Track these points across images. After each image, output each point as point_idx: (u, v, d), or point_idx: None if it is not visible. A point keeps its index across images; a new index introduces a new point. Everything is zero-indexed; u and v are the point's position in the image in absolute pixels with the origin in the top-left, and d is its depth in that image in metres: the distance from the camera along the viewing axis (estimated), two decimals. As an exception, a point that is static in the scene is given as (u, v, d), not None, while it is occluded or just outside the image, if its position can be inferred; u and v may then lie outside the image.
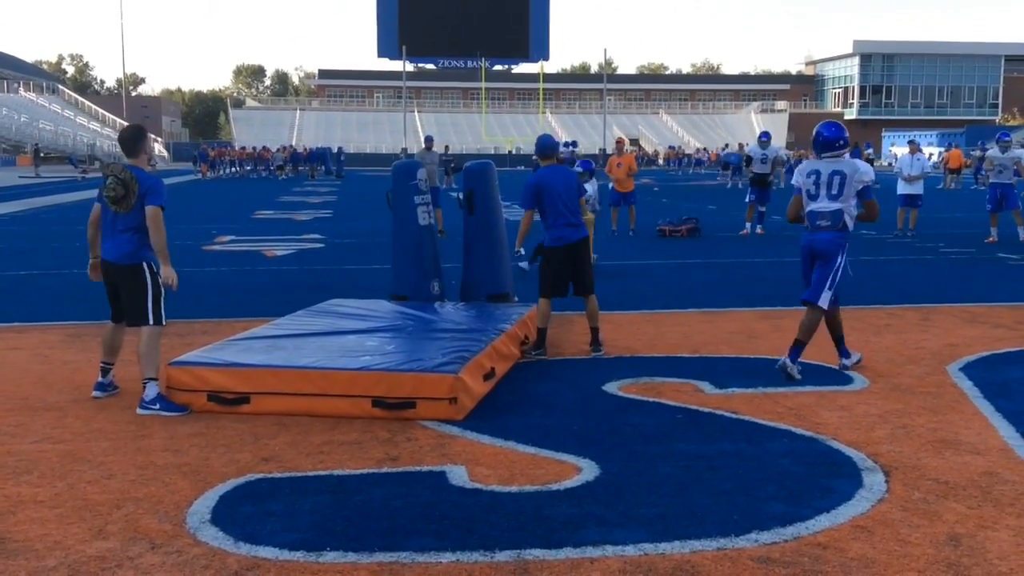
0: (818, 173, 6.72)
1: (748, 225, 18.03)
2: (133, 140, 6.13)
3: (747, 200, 18.21)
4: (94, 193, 6.31)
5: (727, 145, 53.79)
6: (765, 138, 18.61)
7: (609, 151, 52.46)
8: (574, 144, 20.19)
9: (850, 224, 6.78)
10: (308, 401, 5.67)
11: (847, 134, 6.82)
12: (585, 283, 7.50)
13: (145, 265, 6.00)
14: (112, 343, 6.23)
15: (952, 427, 5.46)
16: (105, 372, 6.21)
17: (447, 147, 54.38)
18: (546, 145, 7.73)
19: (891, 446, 5.10)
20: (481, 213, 8.60)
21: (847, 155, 6.80)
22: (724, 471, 4.70)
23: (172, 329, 7.98)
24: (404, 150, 60.89)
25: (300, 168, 54.93)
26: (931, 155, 37.71)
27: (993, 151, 16.81)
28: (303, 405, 5.67)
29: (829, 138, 6.72)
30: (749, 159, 18.50)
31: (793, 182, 7.05)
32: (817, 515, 4.12)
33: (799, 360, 6.67)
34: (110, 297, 6.18)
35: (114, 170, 5.98)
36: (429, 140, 19.22)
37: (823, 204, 6.71)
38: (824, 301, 6.75)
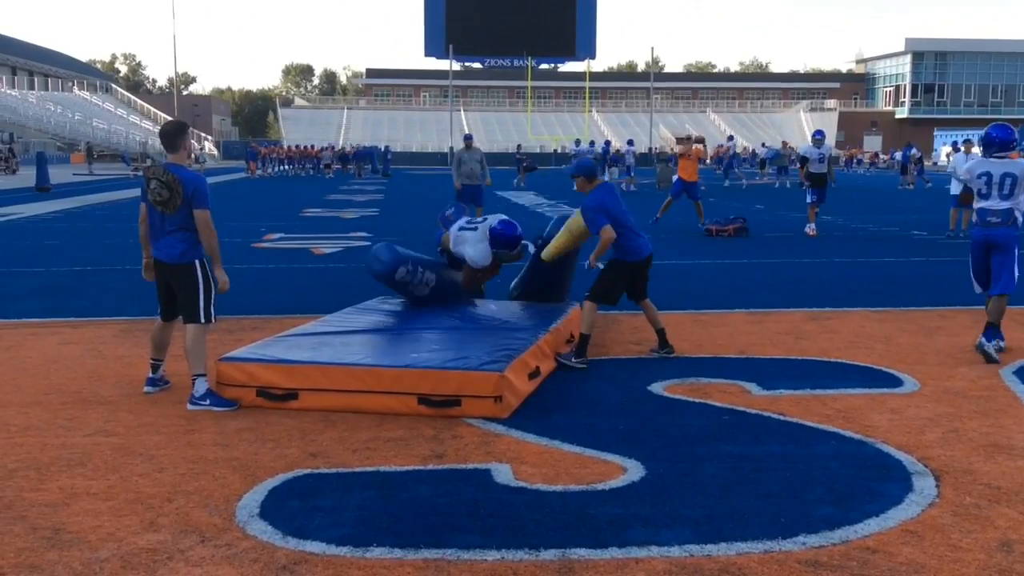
0: (989, 175, 7.31)
1: (812, 225, 17.85)
2: (175, 135, 6.12)
3: (808, 201, 17.96)
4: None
5: (731, 137, 53.36)
6: (819, 136, 18.38)
7: (656, 149, 52.32)
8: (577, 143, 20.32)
9: (1020, 220, 7.36)
10: (355, 398, 5.72)
11: (1017, 136, 7.31)
12: (645, 288, 7.34)
13: (197, 263, 6.06)
14: (162, 340, 6.29)
15: (1005, 431, 5.37)
16: (155, 368, 6.30)
17: (519, 146, 54.42)
18: (591, 167, 7.46)
19: (942, 450, 5.03)
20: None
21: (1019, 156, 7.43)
22: (771, 473, 4.67)
23: (222, 325, 8.10)
24: (452, 149, 61.12)
25: (348, 167, 55.35)
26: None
27: None
28: (350, 401, 5.72)
29: (1001, 139, 7.31)
30: (805, 159, 18.23)
31: (961, 178, 7.95)
32: (866, 519, 4.07)
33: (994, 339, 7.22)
34: (162, 296, 6.24)
35: (156, 172, 5.97)
36: (469, 138, 19.27)
37: (994, 203, 7.32)
38: (1014, 285, 7.44)
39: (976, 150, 19.01)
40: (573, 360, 6.97)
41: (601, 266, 7.36)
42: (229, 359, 6.05)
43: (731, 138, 52.32)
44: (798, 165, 20.98)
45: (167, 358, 6.41)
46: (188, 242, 6.02)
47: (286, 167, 57.30)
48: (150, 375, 6.30)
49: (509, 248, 7.98)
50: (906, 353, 7.43)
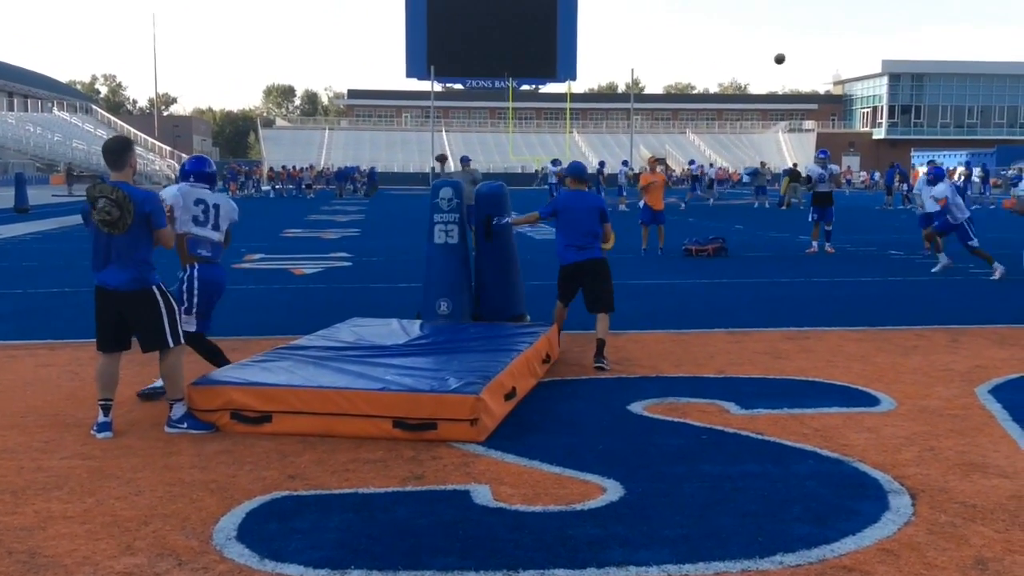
0: None
1: (814, 244, 18.04)
2: (120, 151, 5.73)
3: (810, 219, 18.21)
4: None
5: (692, 162, 54.18)
6: (823, 155, 18.65)
7: (637, 170, 52.53)
8: (554, 163, 20.30)
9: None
10: (329, 421, 5.68)
11: None
12: (597, 300, 7.89)
13: (154, 288, 5.77)
14: (111, 377, 5.79)
15: (980, 450, 5.41)
16: (107, 410, 5.75)
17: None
18: (578, 169, 8.42)
19: (918, 468, 5.07)
20: (496, 237, 8.73)
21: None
22: (749, 492, 4.69)
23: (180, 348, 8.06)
24: (432, 169, 61.18)
25: (339, 186, 55.57)
26: (963, 174, 37.51)
27: None
28: (324, 425, 5.68)
29: None
30: (809, 178, 18.46)
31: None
32: (843, 537, 4.09)
33: None
34: (107, 327, 5.75)
35: (103, 190, 5.55)
36: (466, 160, 19.40)
37: None
38: None
39: (922, 170, 19.26)
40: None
41: (510, 220, 8.79)
42: (203, 382, 6.00)
43: (692, 162, 53.47)
44: (804, 183, 21.18)
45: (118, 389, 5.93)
46: (140, 266, 5.69)
47: (279, 186, 57.06)
48: (102, 419, 5.73)
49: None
50: (883, 372, 7.49)
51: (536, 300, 9.76)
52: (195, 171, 6.84)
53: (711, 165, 50.40)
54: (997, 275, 13.56)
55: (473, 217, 8.96)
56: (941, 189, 14.44)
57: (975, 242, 14.14)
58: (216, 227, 6.73)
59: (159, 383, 6.28)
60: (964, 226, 14.23)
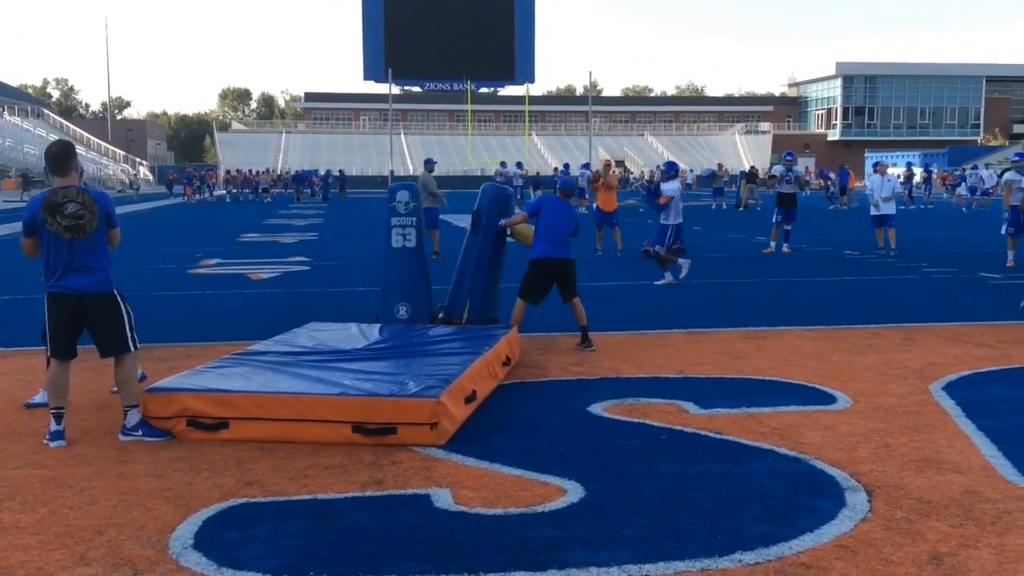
0: None
1: (773, 244, 18.22)
2: (65, 157, 5.64)
3: (774, 220, 18.38)
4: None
5: (644, 174, 54.27)
6: (789, 157, 18.83)
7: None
8: (519, 165, 20.38)
9: None
10: (287, 427, 5.62)
11: None
12: (569, 290, 8.62)
13: (116, 292, 5.79)
14: (64, 384, 5.69)
15: (934, 446, 5.49)
16: (60, 418, 5.62)
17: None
18: (569, 185, 9.33)
19: (874, 465, 5.13)
20: (487, 238, 8.87)
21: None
22: (709, 491, 4.71)
23: (156, 353, 7.97)
24: (392, 172, 60.94)
25: (303, 190, 55.22)
26: (899, 175, 38.16)
27: (1011, 174, 16.09)
28: (283, 431, 5.62)
29: None
30: (774, 178, 18.69)
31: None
32: (801, 535, 4.13)
33: None
34: (66, 333, 5.66)
35: (69, 195, 5.52)
36: (430, 163, 19.37)
37: None
38: None
39: (893, 171, 19.51)
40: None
41: (504, 222, 9.02)
42: (157, 389, 5.91)
43: (620, 162, 53.33)
44: (768, 182, 21.43)
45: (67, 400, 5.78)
46: (105, 268, 5.69)
47: (236, 190, 56.47)
48: (55, 427, 5.60)
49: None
50: (839, 370, 7.57)
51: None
52: None
53: (658, 167, 50.46)
54: (664, 281, 13.26)
55: (480, 219, 8.98)
56: (670, 187, 13.86)
57: (659, 248, 13.55)
58: None
59: (42, 396, 6.19)
60: (669, 229, 13.66)
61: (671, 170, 14.42)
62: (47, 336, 5.82)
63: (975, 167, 44.36)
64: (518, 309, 8.60)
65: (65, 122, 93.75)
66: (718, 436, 5.72)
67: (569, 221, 8.67)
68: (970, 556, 3.90)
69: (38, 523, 4.34)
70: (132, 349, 5.81)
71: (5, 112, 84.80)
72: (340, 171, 59.80)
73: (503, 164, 40.84)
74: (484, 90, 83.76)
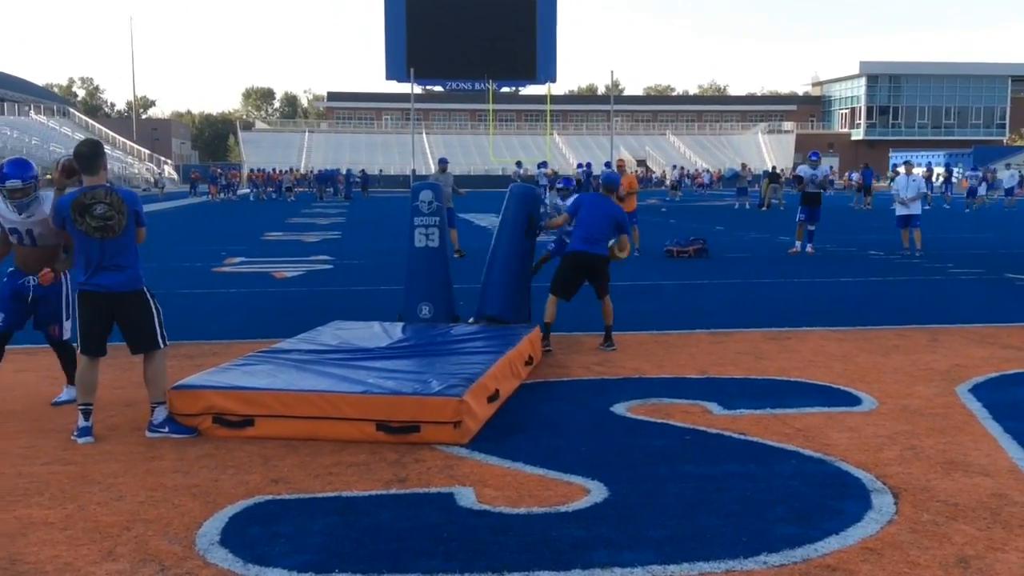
0: None
1: (797, 244, 18.12)
2: (94, 156, 5.70)
3: (798, 219, 18.26)
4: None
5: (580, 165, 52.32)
6: (815, 157, 18.72)
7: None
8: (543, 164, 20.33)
9: None
10: (312, 425, 5.66)
11: None
12: (601, 288, 8.54)
13: (145, 289, 5.85)
14: (92, 381, 5.76)
15: (961, 448, 5.45)
16: (88, 414, 5.71)
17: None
18: (611, 180, 9.18)
19: (900, 467, 5.10)
20: (512, 237, 8.77)
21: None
22: (733, 492, 4.70)
23: (182, 351, 8.03)
24: (413, 171, 61.08)
25: (326, 189, 55.39)
26: (923, 175, 37.89)
27: None
28: (307, 429, 5.66)
29: None
30: (800, 179, 18.54)
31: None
32: (826, 537, 4.11)
33: None
34: (98, 331, 5.73)
35: (98, 196, 5.56)
36: (444, 162, 19.36)
37: None
38: None
39: (917, 171, 19.29)
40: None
41: (545, 224, 9.25)
42: (184, 386, 5.96)
43: (580, 165, 51.86)
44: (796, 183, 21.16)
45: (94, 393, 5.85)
46: (135, 266, 5.76)
47: (247, 191, 56.88)
48: (83, 423, 5.67)
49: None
50: (864, 372, 7.52)
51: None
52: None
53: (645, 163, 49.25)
54: None
55: (536, 225, 9.01)
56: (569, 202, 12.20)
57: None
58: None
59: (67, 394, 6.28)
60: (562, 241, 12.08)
61: (567, 186, 13.06)
62: (77, 333, 5.87)
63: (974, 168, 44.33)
64: (551, 305, 8.42)
65: (91, 121, 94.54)
66: (742, 437, 5.70)
67: (606, 218, 8.52)
68: (997, 559, 3.87)
69: (66, 519, 4.38)
70: (162, 346, 5.87)
71: (31, 111, 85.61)
72: (362, 171, 60.06)
73: (519, 164, 40.80)
74: (505, 89, 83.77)
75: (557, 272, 8.55)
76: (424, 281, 8.75)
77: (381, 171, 77.57)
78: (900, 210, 17.64)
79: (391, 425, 5.56)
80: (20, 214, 6.26)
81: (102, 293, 5.69)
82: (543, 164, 39.03)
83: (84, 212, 5.58)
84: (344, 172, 59.35)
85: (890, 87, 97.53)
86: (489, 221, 30.07)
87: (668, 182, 44.55)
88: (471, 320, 8.70)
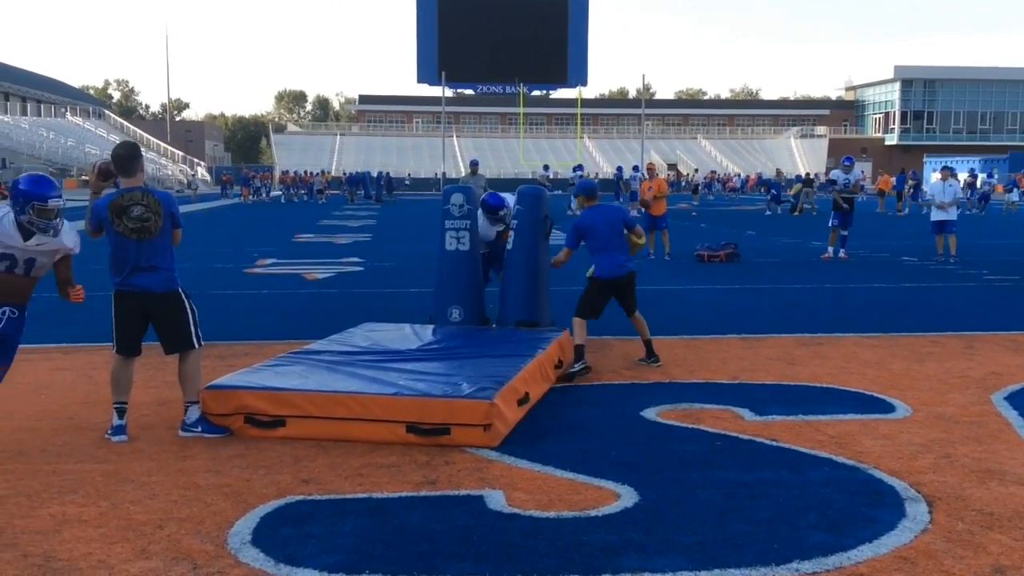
0: None
1: (830, 249, 17.99)
2: (132, 158, 5.77)
3: (831, 224, 18.13)
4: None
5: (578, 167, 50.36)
6: (848, 163, 18.59)
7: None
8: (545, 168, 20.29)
9: None
10: (343, 426, 5.68)
11: None
12: (633, 306, 8.05)
13: (181, 289, 5.91)
14: (127, 379, 5.84)
15: (996, 457, 5.38)
16: (123, 413, 5.78)
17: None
18: (588, 187, 8.40)
19: (934, 476, 5.04)
20: (526, 239, 8.64)
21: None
22: (764, 499, 4.67)
23: (214, 351, 8.09)
24: (443, 174, 61.24)
25: (356, 191, 55.50)
26: (962, 180, 37.33)
27: None
28: (338, 430, 5.68)
29: None
30: (834, 183, 18.42)
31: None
32: (859, 545, 4.07)
33: None
34: (134, 331, 5.79)
35: (135, 198, 5.64)
36: (475, 164, 19.43)
37: None
38: None
39: (962, 177, 19.01)
40: (576, 366, 7.55)
41: (553, 261, 8.35)
42: (216, 386, 6.01)
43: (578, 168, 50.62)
44: (829, 189, 20.95)
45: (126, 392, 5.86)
46: (171, 267, 5.82)
47: (278, 193, 57.20)
48: (118, 422, 5.75)
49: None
50: (898, 379, 7.45)
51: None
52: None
53: (635, 169, 48.41)
54: None
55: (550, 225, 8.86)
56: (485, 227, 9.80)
57: None
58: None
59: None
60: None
61: (495, 202, 9.64)
62: (113, 332, 5.92)
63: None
64: (582, 328, 7.74)
65: (125, 123, 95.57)
66: (774, 443, 5.66)
67: (614, 226, 7.97)
68: (1035, 570, 3.82)
69: (100, 516, 4.43)
70: (196, 346, 5.92)
71: (68, 112, 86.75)
72: (387, 173, 60.25)
73: (545, 167, 40.75)
74: (536, 93, 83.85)
75: (586, 297, 7.90)
76: (454, 284, 8.76)
77: (410, 174, 77.85)
78: (935, 215, 17.47)
79: (421, 427, 5.58)
80: (29, 239, 5.37)
81: (138, 293, 5.74)
82: (579, 167, 38.80)
83: (121, 213, 5.64)
84: (375, 175, 59.58)
85: (925, 91, 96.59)
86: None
87: (695, 185, 43.78)
88: (495, 325, 8.69)
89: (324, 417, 5.72)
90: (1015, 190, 40.98)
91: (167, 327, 5.88)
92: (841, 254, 17.79)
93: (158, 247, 5.74)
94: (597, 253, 7.93)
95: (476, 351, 7.20)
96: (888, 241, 22.43)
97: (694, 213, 36.43)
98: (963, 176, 44.45)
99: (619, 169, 46.40)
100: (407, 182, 74.56)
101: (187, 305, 5.91)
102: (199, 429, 5.80)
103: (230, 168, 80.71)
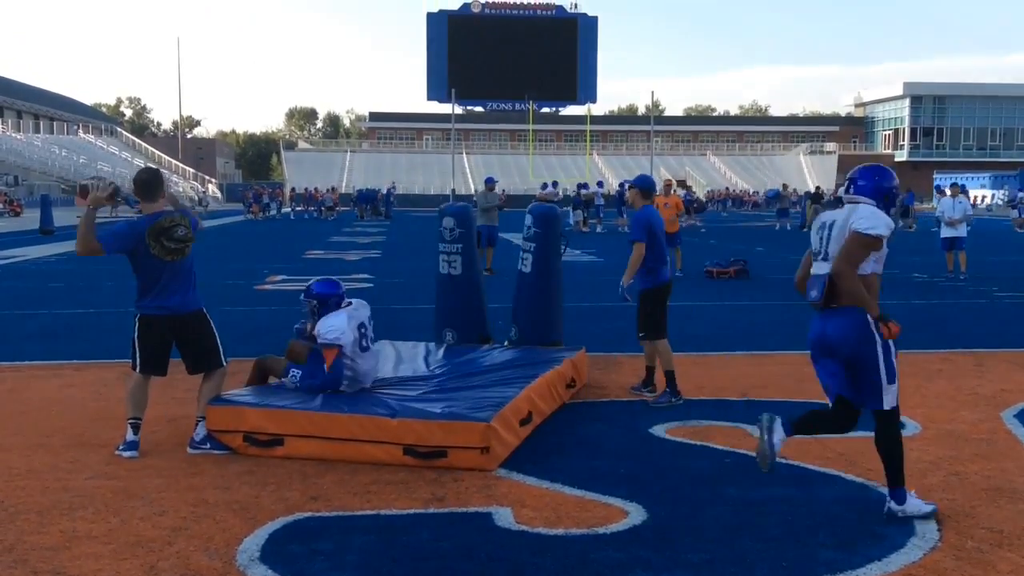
0: None
1: None
2: (155, 184, 5.83)
3: None
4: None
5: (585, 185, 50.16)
6: None
7: (658, 191, 51.65)
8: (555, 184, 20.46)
9: None
10: (341, 446, 5.64)
11: None
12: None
13: (203, 308, 5.99)
14: (144, 398, 5.89)
15: (1006, 475, 5.36)
16: (136, 429, 5.82)
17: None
18: (647, 182, 7.77)
19: (944, 493, 5.02)
20: (541, 258, 8.49)
21: None
22: (774, 517, 4.66)
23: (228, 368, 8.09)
24: (453, 191, 61.37)
25: (360, 208, 55.55)
26: (975, 197, 37.23)
27: None
28: (336, 450, 5.65)
29: None
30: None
31: None
32: (868, 563, 4.06)
33: None
34: (161, 352, 5.86)
35: (175, 220, 5.72)
36: (490, 181, 19.54)
37: None
38: None
39: (974, 193, 18.93)
40: (671, 399, 7.15)
41: (625, 281, 7.27)
42: (219, 402, 6.00)
43: (600, 183, 50.41)
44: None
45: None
46: (196, 286, 5.91)
47: (288, 210, 57.30)
48: (132, 437, 5.79)
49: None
50: (907, 396, 7.40)
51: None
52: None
53: (599, 184, 47.60)
54: None
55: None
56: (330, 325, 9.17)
57: None
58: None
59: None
60: None
61: (326, 292, 7.46)
62: (135, 353, 5.90)
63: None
64: (667, 351, 7.32)
65: (137, 140, 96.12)
66: (783, 461, 5.62)
67: (661, 226, 7.51)
68: (1045, 589, 3.80)
69: (110, 532, 4.44)
70: (224, 364, 5.98)
71: (80, 130, 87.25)
72: (389, 190, 60.38)
73: (554, 184, 40.84)
74: (546, 110, 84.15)
75: (651, 312, 7.34)
76: (447, 308, 8.72)
77: (419, 191, 78.01)
78: (945, 232, 17.45)
79: (418, 450, 5.53)
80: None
81: (168, 315, 5.79)
82: (600, 184, 38.65)
83: (162, 235, 5.67)
84: (384, 191, 59.73)
85: (934, 108, 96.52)
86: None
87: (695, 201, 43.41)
88: (506, 343, 8.62)
89: (322, 437, 5.69)
90: (1021, 205, 40.80)
91: (196, 346, 5.93)
92: None
93: (187, 267, 5.83)
94: (652, 256, 7.27)
95: (479, 371, 7.13)
96: (898, 257, 22.35)
97: (703, 229, 36.39)
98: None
99: (622, 184, 46.44)
100: (410, 200, 74.65)
101: (211, 323, 5.98)
102: (207, 446, 5.82)
103: (242, 185, 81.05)
